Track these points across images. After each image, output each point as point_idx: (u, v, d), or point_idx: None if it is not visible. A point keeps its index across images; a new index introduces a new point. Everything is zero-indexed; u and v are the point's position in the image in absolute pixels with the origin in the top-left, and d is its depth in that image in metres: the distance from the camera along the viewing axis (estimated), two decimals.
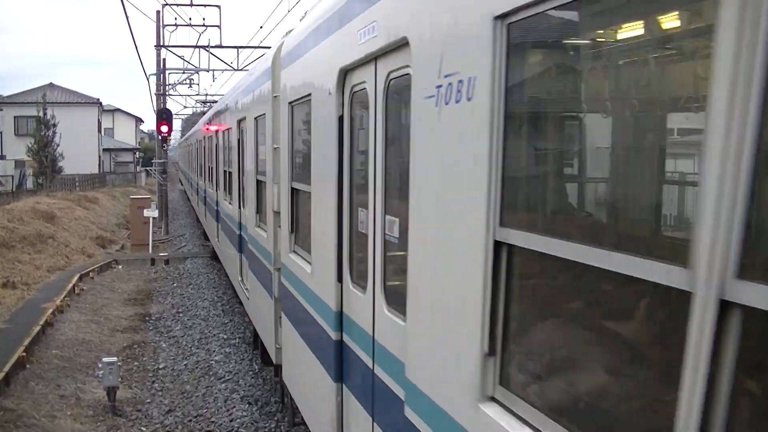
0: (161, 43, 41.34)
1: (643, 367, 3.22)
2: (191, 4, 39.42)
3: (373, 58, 5.98)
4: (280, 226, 10.74)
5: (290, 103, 9.88)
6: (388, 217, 5.79)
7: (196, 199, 40.32)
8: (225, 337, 18.23)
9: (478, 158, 3.87)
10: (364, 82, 6.32)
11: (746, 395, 2.50)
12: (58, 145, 71.57)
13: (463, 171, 4.10)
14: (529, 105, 4.04)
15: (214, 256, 27.85)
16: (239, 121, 16.18)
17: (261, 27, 46.56)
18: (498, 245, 3.76)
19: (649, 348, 3.13)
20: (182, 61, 44.59)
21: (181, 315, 20.96)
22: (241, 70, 39.62)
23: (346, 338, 7.15)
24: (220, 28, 39.85)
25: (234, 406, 13.58)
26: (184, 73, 49.17)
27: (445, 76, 4.26)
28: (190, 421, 13.11)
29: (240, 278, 17.01)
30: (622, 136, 3.62)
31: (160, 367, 16.20)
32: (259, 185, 13.40)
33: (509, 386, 3.86)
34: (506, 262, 3.80)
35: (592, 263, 3.03)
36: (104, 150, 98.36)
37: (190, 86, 57.66)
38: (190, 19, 40.34)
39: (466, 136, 4.04)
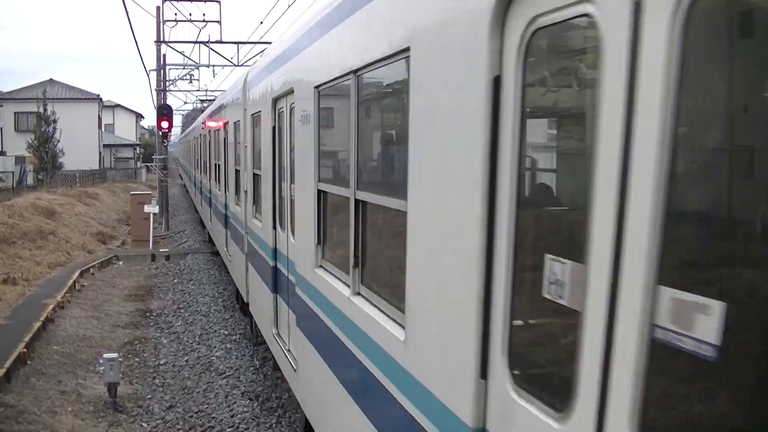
0: (161, 39, 41.27)
1: None
2: (191, 0, 39.36)
3: (284, 95, 9.95)
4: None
5: (252, 114, 14.13)
6: (291, 186, 9.70)
7: (193, 189, 42.88)
8: (226, 333, 18.22)
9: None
10: (282, 107, 9.98)
11: None
12: (58, 141, 71.67)
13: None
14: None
15: (215, 252, 27.88)
16: (225, 124, 20.78)
17: (261, 22, 46.32)
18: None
19: None
20: (182, 56, 44.51)
21: (182, 311, 20.94)
22: (241, 65, 39.59)
23: (279, 265, 11.31)
24: (220, 24, 39.72)
25: (235, 402, 13.57)
26: (184, 68, 49.14)
27: (303, 110, 8.46)
28: (191, 416, 13.10)
29: (225, 249, 21.54)
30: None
31: (161, 363, 16.19)
32: (237, 174, 17.58)
33: (327, 258, 7.73)
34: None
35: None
36: (104, 146, 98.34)
37: (191, 82, 57.61)
38: (190, 14, 40.29)
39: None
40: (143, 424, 12.88)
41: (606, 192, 2.93)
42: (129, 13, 75.82)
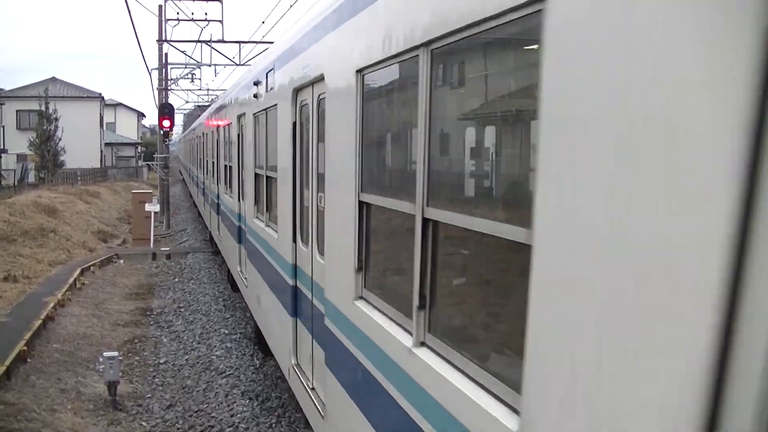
0: (163, 38, 41.30)
1: None
2: None
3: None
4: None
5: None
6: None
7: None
8: (226, 332, 18.21)
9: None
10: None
11: None
12: (60, 139, 71.74)
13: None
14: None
15: (216, 251, 27.90)
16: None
17: (263, 22, 46.39)
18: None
19: None
20: (184, 55, 44.52)
21: (182, 310, 20.94)
22: (243, 65, 39.59)
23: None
24: (222, 23, 39.74)
25: (235, 401, 13.56)
26: (186, 67, 49.15)
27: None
28: (191, 416, 13.10)
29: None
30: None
31: (161, 361, 16.19)
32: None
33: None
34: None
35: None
36: (106, 144, 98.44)
37: (192, 81, 57.66)
38: (192, 13, 40.31)
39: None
40: (143, 422, 12.87)
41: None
42: (131, 12, 75.77)
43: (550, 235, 3.13)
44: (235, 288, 18.74)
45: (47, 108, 71.16)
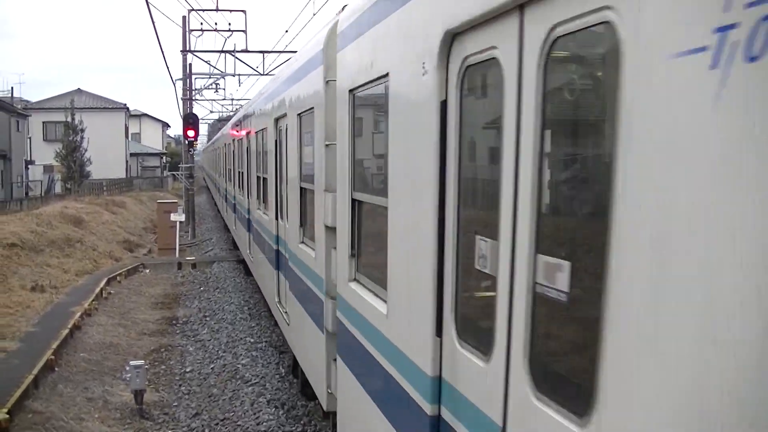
0: (187, 49, 41.49)
1: None
2: (217, 10, 39.49)
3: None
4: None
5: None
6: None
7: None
8: (252, 340, 18.24)
9: None
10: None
11: None
12: (85, 150, 72.24)
13: None
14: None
15: (241, 260, 27.96)
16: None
17: (286, 31, 46.50)
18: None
19: None
20: (208, 65, 44.72)
21: (207, 319, 21.00)
22: (267, 74, 39.71)
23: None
24: (245, 33, 39.82)
25: (260, 410, 13.58)
26: (210, 77, 49.36)
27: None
28: (217, 424, 13.12)
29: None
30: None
31: (187, 370, 16.24)
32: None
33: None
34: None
35: None
36: (131, 155, 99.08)
37: (216, 91, 57.88)
38: (215, 24, 40.46)
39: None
40: (169, 431, 12.91)
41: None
42: (155, 23, 76.16)
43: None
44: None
45: (73, 119, 71.67)
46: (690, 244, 2.47)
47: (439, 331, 4.88)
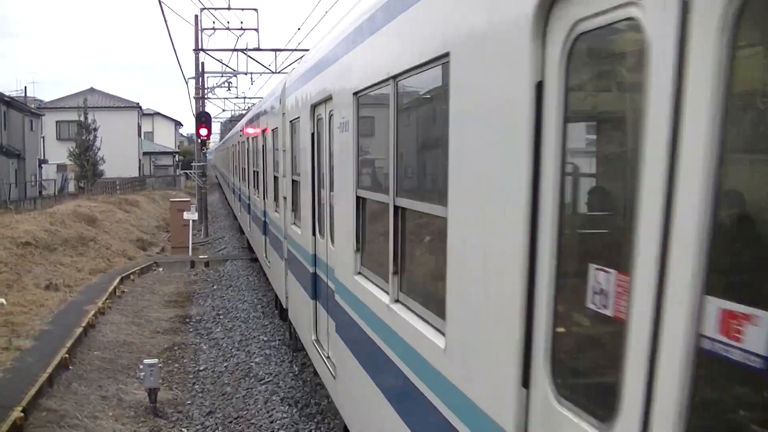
0: (200, 47, 41.53)
1: None
2: (229, 8, 39.52)
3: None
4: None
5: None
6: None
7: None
8: (265, 339, 18.24)
9: None
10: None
11: None
12: (98, 149, 72.40)
13: None
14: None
15: (254, 259, 28.00)
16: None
17: (299, 29, 46.65)
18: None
19: None
20: (220, 64, 44.75)
21: (221, 317, 21.03)
22: (279, 72, 39.71)
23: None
24: (257, 31, 39.87)
25: (274, 408, 13.58)
26: (222, 76, 49.40)
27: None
28: (231, 422, 13.13)
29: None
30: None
31: (201, 368, 16.26)
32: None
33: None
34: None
35: None
36: (144, 153, 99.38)
37: (229, 89, 57.90)
38: (227, 22, 40.54)
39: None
40: (183, 429, 12.93)
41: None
42: (168, 22, 76.27)
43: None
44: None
45: (86, 118, 71.88)
46: None
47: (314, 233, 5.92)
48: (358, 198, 7.99)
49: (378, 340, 7.10)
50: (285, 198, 15.12)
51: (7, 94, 69.67)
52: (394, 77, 6.28)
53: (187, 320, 20.84)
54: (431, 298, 5.70)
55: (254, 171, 24.73)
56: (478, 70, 4.43)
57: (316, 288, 11.64)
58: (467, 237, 4.63)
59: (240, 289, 24.98)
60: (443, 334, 5.12)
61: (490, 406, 4.24)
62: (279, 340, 17.95)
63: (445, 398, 5.02)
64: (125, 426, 12.80)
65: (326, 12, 28.44)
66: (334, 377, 9.83)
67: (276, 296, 19.08)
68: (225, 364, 16.45)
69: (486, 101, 4.33)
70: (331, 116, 9.54)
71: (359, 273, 8.12)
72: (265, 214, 20.90)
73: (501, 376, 4.03)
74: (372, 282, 7.54)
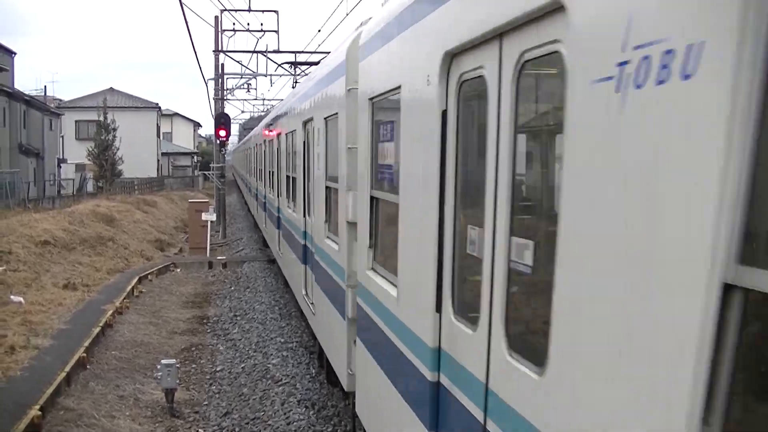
0: (219, 48, 41.63)
1: None
2: (249, 10, 39.61)
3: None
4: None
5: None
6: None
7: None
8: (282, 340, 18.23)
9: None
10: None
11: None
12: (117, 149, 72.60)
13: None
14: None
15: (271, 260, 28.03)
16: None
17: (319, 30, 46.56)
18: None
19: None
20: (240, 65, 44.84)
21: (238, 318, 21.04)
22: (298, 75, 39.78)
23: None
24: (277, 33, 39.89)
25: (291, 410, 13.56)
26: (242, 78, 49.50)
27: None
28: (247, 423, 13.12)
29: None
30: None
31: (218, 369, 16.26)
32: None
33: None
34: None
35: None
36: (163, 154, 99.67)
37: (248, 91, 58.02)
38: (248, 24, 40.55)
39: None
40: (200, 430, 12.93)
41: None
42: (188, 23, 76.52)
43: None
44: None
45: (105, 118, 72.12)
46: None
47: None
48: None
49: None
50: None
51: (26, 93, 70.10)
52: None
53: (205, 321, 20.87)
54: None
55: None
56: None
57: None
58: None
59: (257, 291, 24.99)
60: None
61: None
62: (296, 341, 17.94)
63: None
64: (142, 426, 12.81)
65: (347, 14, 28.34)
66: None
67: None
68: (242, 365, 16.44)
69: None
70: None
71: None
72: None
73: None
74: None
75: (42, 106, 71.72)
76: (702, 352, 2.70)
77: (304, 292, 15.25)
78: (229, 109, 76.76)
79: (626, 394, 3.16)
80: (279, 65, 41.31)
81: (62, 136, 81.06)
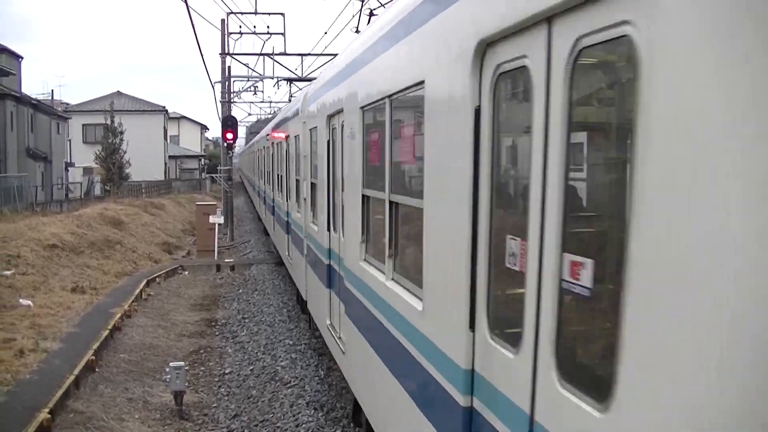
0: (226, 51, 41.66)
1: None
2: (255, 13, 39.67)
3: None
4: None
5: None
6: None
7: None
8: (291, 342, 18.23)
9: None
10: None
11: None
12: (124, 152, 72.72)
13: None
14: None
15: (279, 263, 28.02)
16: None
17: (325, 33, 46.61)
18: None
19: None
20: (246, 68, 44.85)
21: (246, 321, 21.04)
22: (305, 78, 39.78)
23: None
24: (284, 36, 39.90)
25: (300, 412, 13.55)
26: (248, 80, 49.50)
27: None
28: (256, 425, 13.11)
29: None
30: None
31: (226, 372, 16.26)
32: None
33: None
34: None
35: None
36: (170, 157, 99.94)
37: (255, 94, 57.95)
38: (254, 27, 40.65)
39: None
40: None
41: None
42: (195, 26, 76.74)
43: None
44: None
45: (112, 121, 72.25)
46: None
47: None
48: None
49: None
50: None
51: (34, 97, 70.24)
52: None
53: (213, 323, 20.87)
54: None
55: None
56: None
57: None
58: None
59: (265, 293, 24.99)
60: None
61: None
62: (305, 344, 17.93)
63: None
64: (151, 428, 12.82)
65: (353, 16, 28.35)
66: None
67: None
68: (250, 368, 16.44)
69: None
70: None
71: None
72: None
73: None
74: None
75: (49, 110, 71.90)
76: None
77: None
78: (236, 112, 76.76)
79: None
80: (277, 81, 41.33)
81: (69, 140, 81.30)
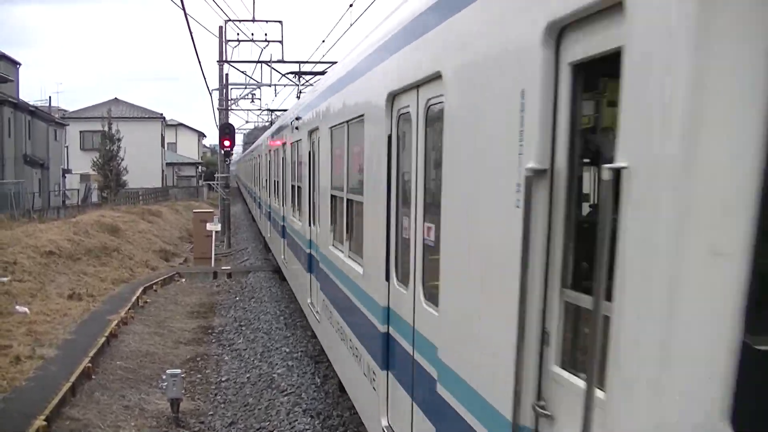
0: (224, 59, 41.68)
1: None
2: (253, 20, 39.66)
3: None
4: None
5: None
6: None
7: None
8: (287, 350, 18.21)
9: None
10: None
11: None
12: (122, 159, 72.78)
13: None
14: None
15: (276, 270, 28.03)
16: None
17: (323, 41, 46.65)
18: None
19: None
20: (244, 75, 44.85)
21: (243, 328, 21.02)
22: (303, 85, 39.78)
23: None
24: (282, 43, 39.96)
25: (296, 420, 13.53)
26: (246, 88, 49.51)
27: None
28: None
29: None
30: None
31: (223, 379, 16.25)
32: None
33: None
34: None
35: None
36: (167, 164, 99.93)
37: (252, 101, 58.07)
38: (252, 34, 40.60)
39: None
40: None
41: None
42: (193, 34, 76.70)
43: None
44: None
45: (110, 128, 72.31)
46: None
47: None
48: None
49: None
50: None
51: (31, 103, 70.22)
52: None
53: (210, 331, 20.86)
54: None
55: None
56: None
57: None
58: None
59: (262, 301, 24.96)
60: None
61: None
62: (301, 351, 17.92)
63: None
64: None
65: (351, 24, 28.37)
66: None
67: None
68: (247, 375, 16.43)
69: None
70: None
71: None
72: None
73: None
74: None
75: (47, 117, 71.83)
76: None
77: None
78: (234, 119, 76.44)
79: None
80: (283, 75, 41.29)
81: (67, 147, 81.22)
